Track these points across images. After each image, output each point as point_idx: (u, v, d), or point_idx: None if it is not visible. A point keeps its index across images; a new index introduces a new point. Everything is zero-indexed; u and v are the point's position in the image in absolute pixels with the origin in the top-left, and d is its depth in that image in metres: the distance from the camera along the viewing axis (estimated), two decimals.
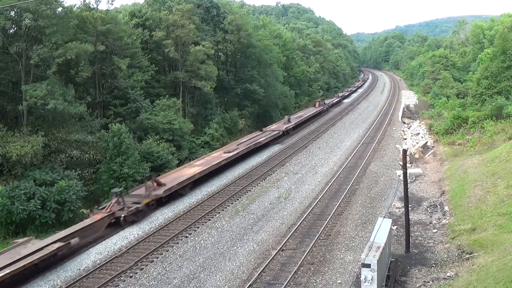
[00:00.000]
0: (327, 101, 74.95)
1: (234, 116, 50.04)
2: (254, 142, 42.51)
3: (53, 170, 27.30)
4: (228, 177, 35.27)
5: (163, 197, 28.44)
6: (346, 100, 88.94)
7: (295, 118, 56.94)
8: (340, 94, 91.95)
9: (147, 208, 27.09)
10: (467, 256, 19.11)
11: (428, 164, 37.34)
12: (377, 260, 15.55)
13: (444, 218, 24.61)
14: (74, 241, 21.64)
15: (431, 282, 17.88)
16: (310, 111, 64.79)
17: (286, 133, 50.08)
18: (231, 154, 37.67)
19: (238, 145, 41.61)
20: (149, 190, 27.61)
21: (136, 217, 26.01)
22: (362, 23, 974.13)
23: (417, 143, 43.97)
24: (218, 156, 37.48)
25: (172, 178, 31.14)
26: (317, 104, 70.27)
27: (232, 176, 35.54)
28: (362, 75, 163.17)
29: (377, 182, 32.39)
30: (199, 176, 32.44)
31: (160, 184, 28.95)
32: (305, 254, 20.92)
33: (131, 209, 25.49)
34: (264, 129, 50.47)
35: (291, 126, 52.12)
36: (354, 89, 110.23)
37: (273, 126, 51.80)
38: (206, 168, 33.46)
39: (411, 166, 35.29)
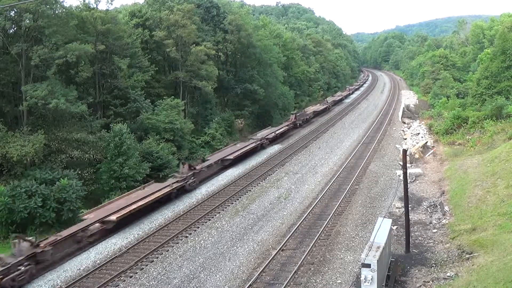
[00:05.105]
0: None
1: (230, 117, 49.99)
2: None
3: (52, 170, 27.28)
4: (228, 177, 35.28)
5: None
6: (346, 100, 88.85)
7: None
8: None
9: None
10: (467, 256, 19.12)
11: (428, 164, 37.33)
12: (377, 260, 15.57)
13: (444, 218, 24.61)
14: None
15: (431, 282, 17.90)
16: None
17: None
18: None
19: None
20: None
21: None
22: (362, 23, 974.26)
23: (417, 143, 43.95)
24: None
25: None
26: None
27: (232, 176, 35.55)
28: (362, 75, 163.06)
29: (377, 182, 32.40)
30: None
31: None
32: (305, 254, 20.93)
33: None
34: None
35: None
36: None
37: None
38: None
39: (411, 166, 35.28)
